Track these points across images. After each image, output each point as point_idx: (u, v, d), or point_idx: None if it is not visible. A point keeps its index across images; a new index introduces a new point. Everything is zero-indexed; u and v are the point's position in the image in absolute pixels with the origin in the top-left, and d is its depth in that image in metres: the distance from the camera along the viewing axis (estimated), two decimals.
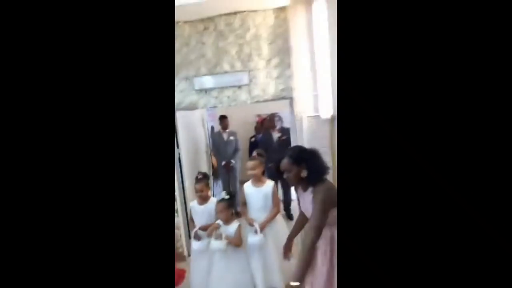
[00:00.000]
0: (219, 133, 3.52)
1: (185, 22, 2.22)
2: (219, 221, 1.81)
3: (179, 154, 2.56)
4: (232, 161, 3.36)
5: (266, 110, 4.65)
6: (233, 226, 1.79)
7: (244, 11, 2.17)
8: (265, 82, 2.25)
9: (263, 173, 1.96)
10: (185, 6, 1.97)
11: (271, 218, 1.84)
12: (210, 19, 2.21)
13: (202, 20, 2.21)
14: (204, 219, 1.92)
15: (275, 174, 2.88)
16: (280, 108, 3.83)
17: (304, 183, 1.29)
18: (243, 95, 2.28)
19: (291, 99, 2.28)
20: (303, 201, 1.38)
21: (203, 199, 1.96)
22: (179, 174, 2.55)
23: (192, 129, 3.13)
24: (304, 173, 1.24)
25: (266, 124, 3.47)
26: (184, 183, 2.60)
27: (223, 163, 3.38)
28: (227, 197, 1.79)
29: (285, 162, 1.29)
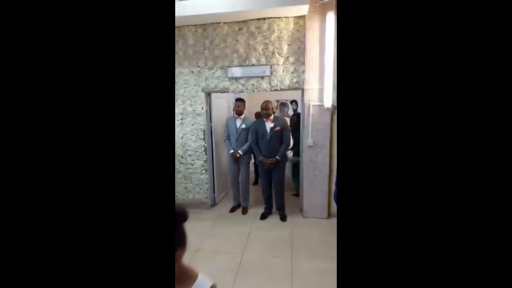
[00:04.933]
0: (233, 119, 3.15)
1: (225, 23, 2.84)
2: None
3: (211, 126, 3.27)
4: (240, 152, 3.08)
5: (284, 96, 5.31)
6: None
7: (271, 18, 2.75)
8: (283, 75, 2.85)
9: None
10: (228, 13, 2.60)
11: None
12: (244, 22, 2.80)
13: (238, 23, 2.82)
14: None
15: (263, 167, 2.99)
16: (294, 96, 4.37)
17: None
18: (264, 84, 2.90)
19: (302, 90, 2.87)
20: None
21: None
22: (210, 139, 3.29)
23: (222, 107, 3.76)
24: None
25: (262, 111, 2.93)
26: (213, 147, 3.35)
27: (231, 152, 3.10)
28: None
29: None
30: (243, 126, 3.10)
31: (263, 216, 3.09)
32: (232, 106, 4.12)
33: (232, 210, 3.31)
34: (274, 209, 3.16)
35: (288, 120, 3.66)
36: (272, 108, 2.99)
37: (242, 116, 3.13)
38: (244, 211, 3.24)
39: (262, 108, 2.93)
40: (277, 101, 5.49)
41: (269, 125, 2.91)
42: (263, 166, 2.97)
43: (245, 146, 3.11)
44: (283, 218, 3.03)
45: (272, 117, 2.93)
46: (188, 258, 1.98)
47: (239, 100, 3.14)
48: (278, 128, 2.89)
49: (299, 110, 4.25)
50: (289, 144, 3.02)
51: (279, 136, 2.90)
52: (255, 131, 2.98)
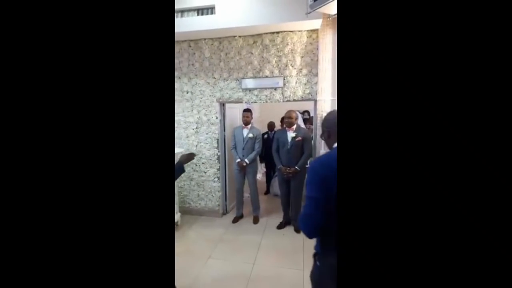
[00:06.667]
0: (240, 129, 3.18)
1: (240, 36, 2.95)
2: None
3: (224, 135, 3.34)
4: (246, 161, 3.11)
5: (296, 108, 5.35)
6: None
7: (285, 31, 2.85)
8: (295, 86, 2.91)
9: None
10: (243, 27, 2.71)
11: None
12: (259, 35, 2.91)
13: (253, 36, 2.93)
14: None
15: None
16: (307, 107, 4.42)
17: None
18: (277, 95, 2.97)
19: (315, 101, 2.92)
20: None
21: None
22: (223, 147, 3.36)
23: (235, 117, 3.84)
24: None
25: (285, 120, 2.98)
26: (225, 154, 3.42)
27: (237, 160, 3.15)
28: None
29: None
30: (250, 135, 3.13)
31: (281, 226, 3.07)
32: None
33: (235, 220, 3.25)
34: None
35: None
36: (296, 118, 2.96)
37: (249, 126, 3.17)
38: (255, 220, 3.25)
39: (285, 117, 2.95)
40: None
41: (290, 134, 2.91)
42: (282, 175, 2.97)
43: (252, 155, 3.12)
44: (298, 230, 2.95)
45: (294, 127, 2.92)
46: (199, 265, 2.05)
47: (247, 111, 3.16)
48: (299, 138, 2.88)
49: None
50: (310, 155, 2.93)
51: (299, 146, 2.89)
52: (276, 139, 3.02)
